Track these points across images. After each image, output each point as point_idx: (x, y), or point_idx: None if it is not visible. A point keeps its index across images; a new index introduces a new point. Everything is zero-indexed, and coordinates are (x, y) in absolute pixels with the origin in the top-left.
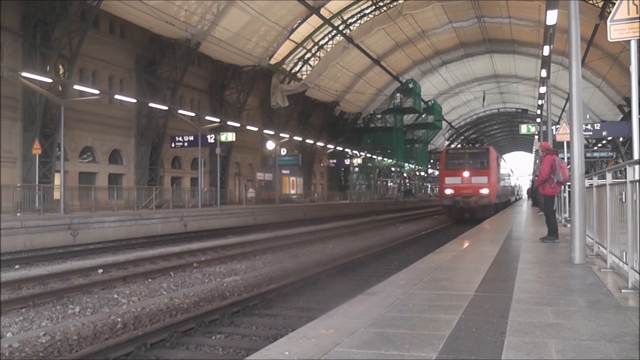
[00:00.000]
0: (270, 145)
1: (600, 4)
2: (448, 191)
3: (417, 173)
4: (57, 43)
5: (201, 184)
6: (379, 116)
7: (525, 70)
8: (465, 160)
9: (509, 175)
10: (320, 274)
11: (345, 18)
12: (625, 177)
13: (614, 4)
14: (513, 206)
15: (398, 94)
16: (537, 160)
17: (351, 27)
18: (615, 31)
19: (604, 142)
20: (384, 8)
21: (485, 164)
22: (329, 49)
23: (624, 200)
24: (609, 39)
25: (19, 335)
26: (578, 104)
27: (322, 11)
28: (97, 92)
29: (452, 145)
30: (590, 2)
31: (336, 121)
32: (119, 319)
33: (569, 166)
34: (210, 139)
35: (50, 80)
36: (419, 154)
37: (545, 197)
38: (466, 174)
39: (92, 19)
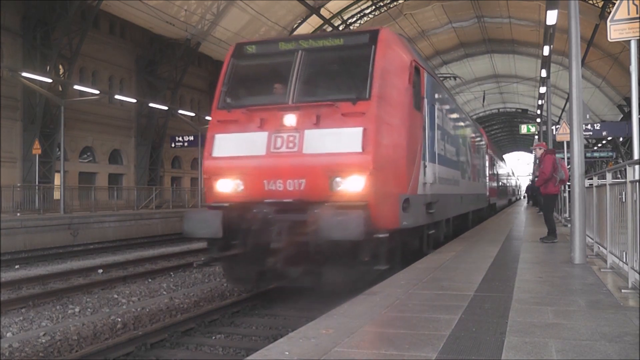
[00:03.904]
0: None
1: (600, 4)
2: (224, 185)
3: None
4: (57, 43)
5: (201, 184)
6: None
7: (525, 70)
8: (292, 77)
9: (491, 157)
10: None
11: (345, 18)
12: (625, 177)
13: (614, 4)
14: (510, 206)
15: None
16: (537, 160)
17: (351, 27)
18: (615, 31)
19: (604, 142)
20: (384, 8)
21: (365, 83)
22: None
23: (624, 200)
24: (609, 39)
25: (19, 335)
26: (578, 104)
27: (322, 11)
28: (97, 92)
29: None
30: (590, 2)
31: None
32: (119, 319)
33: (569, 166)
34: None
35: (50, 80)
36: None
37: (548, 196)
38: (289, 120)
39: (92, 19)
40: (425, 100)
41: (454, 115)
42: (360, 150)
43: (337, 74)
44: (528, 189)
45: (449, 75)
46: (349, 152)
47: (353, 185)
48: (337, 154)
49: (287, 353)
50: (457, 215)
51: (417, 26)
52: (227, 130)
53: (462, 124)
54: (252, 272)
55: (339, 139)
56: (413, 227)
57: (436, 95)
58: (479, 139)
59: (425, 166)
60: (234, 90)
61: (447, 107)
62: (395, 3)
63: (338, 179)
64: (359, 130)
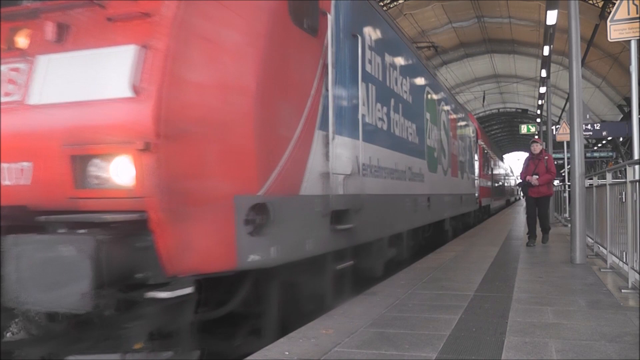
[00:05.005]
0: None
1: (600, 4)
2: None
3: None
4: None
5: None
6: None
7: (525, 70)
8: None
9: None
10: None
11: None
12: (625, 177)
13: (614, 4)
14: (508, 207)
15: None
16: (533, 156)
17: None
18: (615, 31)
19: (604, 142)
20: (384, 8)
21: None
22: None
23: (624, 200)
24: (609, 39)
25: (18, 335)
26: (578, 104)
27: None
28: None
29: None
30: (590, 2)
31: None
32: None
33: (569, 166)
34: None
35: None
36: None
37: (547, 197)
38: (14, 37)
39: None
40: (332, 21)
41: (417, 77)
42: (129, 93)
43: None
44: (524, 188)
45: (426, 44)
46: (108, 100)
47: (118, 173)
48: (87, 104)
49: (287, 353)
50: (420, 226)
51: (417, 26)
52: None
53: (434, 95)
54: None
55: (96, 72)
56: (285, 262)
57: (367, 26)
58: (464, 122)
59: (328, 142)
60: None
61: (400, 55)
62: (395, 3)
63: (97, 161)
64: (129, 50)
